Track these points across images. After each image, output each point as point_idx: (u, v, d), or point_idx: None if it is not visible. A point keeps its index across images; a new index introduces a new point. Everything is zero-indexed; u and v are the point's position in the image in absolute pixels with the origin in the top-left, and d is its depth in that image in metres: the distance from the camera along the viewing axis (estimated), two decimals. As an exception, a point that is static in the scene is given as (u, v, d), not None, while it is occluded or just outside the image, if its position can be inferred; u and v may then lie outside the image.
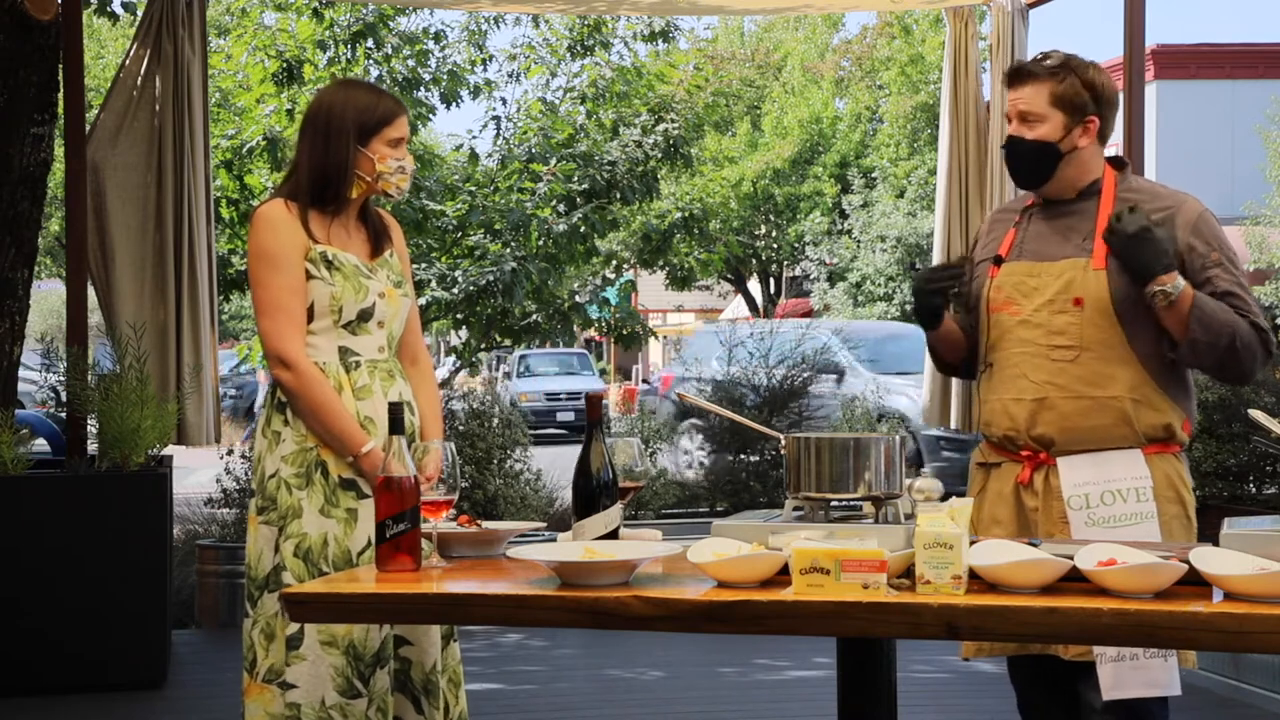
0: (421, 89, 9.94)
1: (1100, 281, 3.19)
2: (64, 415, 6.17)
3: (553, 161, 9.97)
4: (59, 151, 7.36)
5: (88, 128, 6.11)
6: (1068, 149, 3.27)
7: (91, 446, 5.97)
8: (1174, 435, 3.24)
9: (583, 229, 9.82)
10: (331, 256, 3.35)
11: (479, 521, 3.00)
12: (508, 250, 9.59)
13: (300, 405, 3.31)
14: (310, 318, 3.34)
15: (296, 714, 3.23)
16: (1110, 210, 3.24)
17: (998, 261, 3.37)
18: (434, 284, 9.53)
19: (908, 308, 25.90)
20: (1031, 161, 3.30)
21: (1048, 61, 3.29)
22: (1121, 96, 6.51)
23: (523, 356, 27.02)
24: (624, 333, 10.88)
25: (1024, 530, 3.27)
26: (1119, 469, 3.18)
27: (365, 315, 3.37)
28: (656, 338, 31.12)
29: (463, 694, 3.48)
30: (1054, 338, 3.23)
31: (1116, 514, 3.16)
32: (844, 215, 27.92)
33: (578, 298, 11.00)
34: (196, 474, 12.72)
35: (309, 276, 3.33)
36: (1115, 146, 6.05)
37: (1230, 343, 3.16)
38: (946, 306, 3.44)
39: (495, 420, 8.82)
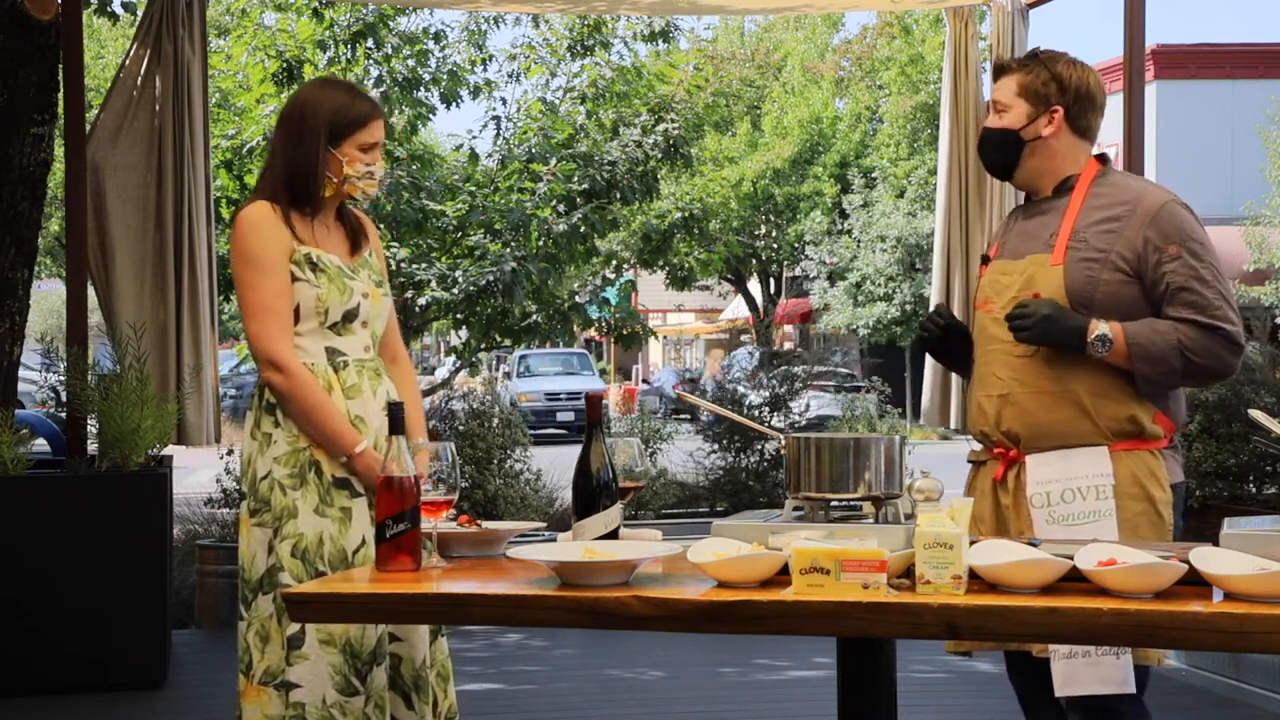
0: (421, 89, 9.93)
1: (1057, 277, 3.22)
2: (64, 415, 6.17)
3: (553, 161, 9.96)
4: (59, 151, 7.36)
5: (88, 128, 6.11)
6: (1030, 137, 3.31)
7: (91, 446, 5.97)
8: (1144, 430, 3.22)
9: (583, 229, 9.81)
10: (316, 258, 3.35)
11: (479, 521, 3.00)
12: (508, 250, 9.59)
13: (292, 407, 3.30)
14: (295, 319, 3.34)
15: (301, 713, 3.23)
16: (1080, 205, 3.27)
17: (985, 261, 3.44)
18: (434, 284, 9.53)
19: (908, 308, 25.92)
20: (995, 149, 3.37)
21: (1018, 57, 3.39)
22: (1121, 96, 6.52)
23: (523, 356, 26.84)
24: (624, 333, 10.88)
25: (1001, 527, 3.30)
26: (1082, 466, 3.19)
27: (350, 316, 3.38)
28: (656, 338, 31.13)
29: (451, 689, 3.49)
30: None
31: (1075, 511, 3.18)
32: (844, 215, 27.90)
33: (578, 298, 10.99)
34: (196, 474, 12.72)
35: (294, 279, 3.33)
36: (1115, 146, 6.07)
37: (1182, 361, 3.15)
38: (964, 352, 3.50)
39: (495, 420, 8.82)
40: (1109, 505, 3.16)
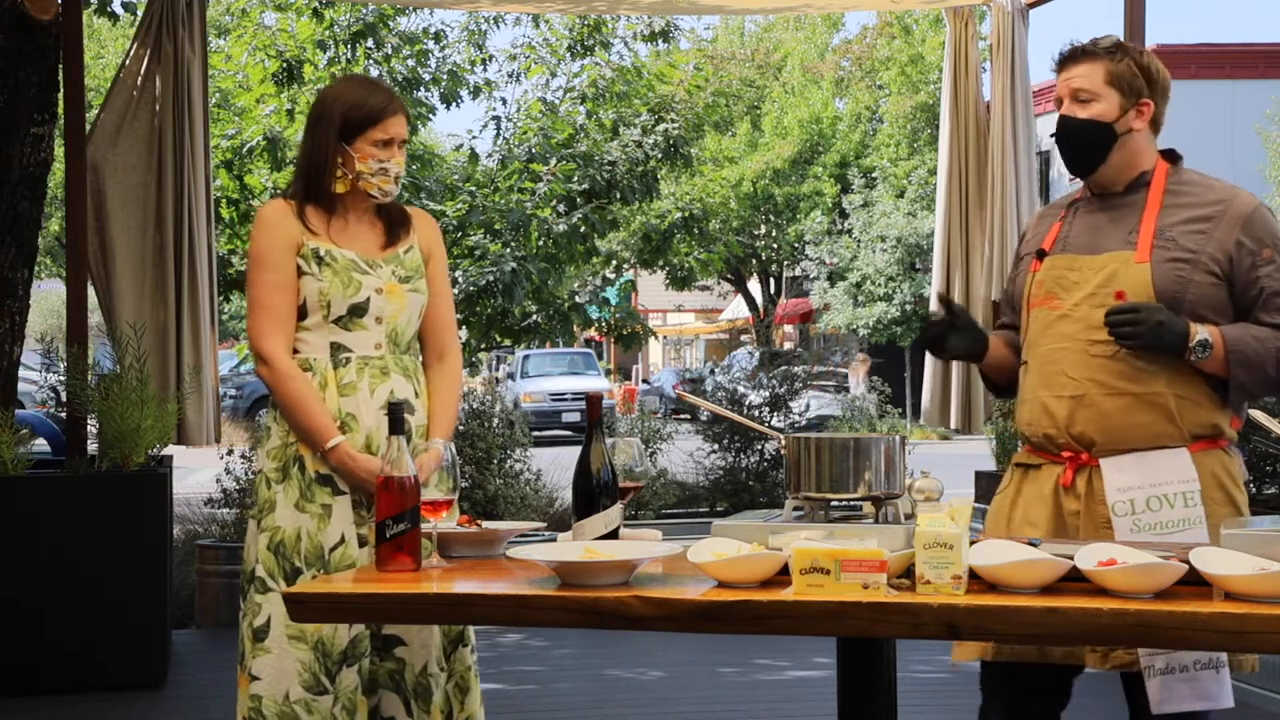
0: (421, 89, 9.95)
1: (1144, 275, 3.07)
2: (64, 415, 6.17)
3: (553, 161, 9.97)
4: (59, 151, 7.36)
5: (88, 128, 6.11)
6: (1122, 130, 3.15)
7: (91, 446, 5.97)
8: (1222, 432, 3.13)
9: (583, 229, 9.82)
10: (324, 253, 3.34)
11: (479, 521, 3.00)
12: (508, 250, 9.59)
13: (276, 400, 3.34)
14: (304, 314, 3.35)
15: (259, 706, 3.22)
16: (1160, 203, 3.14)
17: (1040, 256, 3.26)
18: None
19: (908, 308, 25.93)
20: (1084, 140, 3.17)
21: (1104, 42, 3.20)
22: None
23: (526, 356, 26.18)
24: (624, 333, 10.89)
25: (1060, 534, 3.16)
26: (1165, 471, 3.06)
27: (358, 310, 3.35)
28: (656, 338, 31.07)
29: (471, 701, 3.46)
30: (1093, 332, 3.10)
31: (1163, 520, 3.04)
32: (844, 215, 27.92)
33: (578, 298, 11.00)
34: (196, 474, 12.73)
35: (301, 273, 3.33)
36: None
37: (1278, 369, 3.08)
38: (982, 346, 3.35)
39: (495, 420, 8.82)
40: (1198, 512, 3.03)
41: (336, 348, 3.36)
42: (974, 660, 3.27)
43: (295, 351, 3.34)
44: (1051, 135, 3.26)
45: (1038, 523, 3.18)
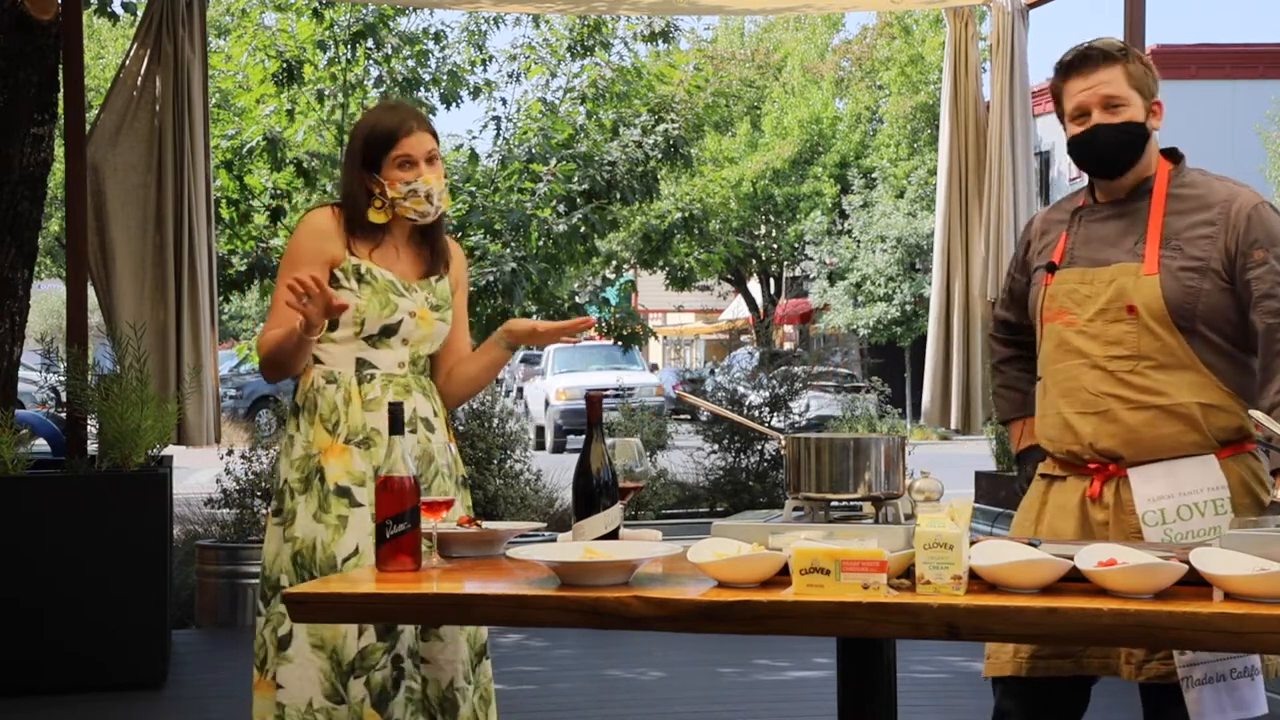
0: (421, 89, 9.95)
1: (1153, 288, 3.03)
2: (64, 415, 6.17)
3: (553, 162, 9.97)
4: (59, 151, 7.37)
5: (88, 128, 6.11)
6: (1149, 132, 3.12)
7: (91, 446, 5.97)
8: (1248, 435, 3.08)
9: (583, 229, 9.82)
10: (365, 270, 3.34)
11: (479, 521, 3.00)
12: (508, 250, 9.59)
13: (276, 366, 3.35)
14: (335, 326, 3.34)
15: (282, 714, 3.24)
16: (1164, 208, 3.09)
17: (1051, 269, 3.21)
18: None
19: (908, 308, 25.94)
20: (1120, 147, 3.10)
21: (1114, 45, 3.14)
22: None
23: (559, 350, 24.15)
24: (624, 333, 10.88)
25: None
26: (1194, 479, 3.03)
27: (389, 330, 3.36)
28: (656, 338, 30.97)
29: (493, 712, 3.47)
30: (1110, 348, 3.07)
31: (1194, 529, 3.01)
32: (844, 215, 27.93)
33: (578, 298, 10.99)
34: (196, 474, 12.74)
35: (338, 286, 3.32)
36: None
37: None
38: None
39: (495, 420, 8.82)
40: (1229, 519, 2.98)
41: (362, 364, 3.36)
42: (1006, 674, 3.19)
43: (319, 362, 3.35)
44: (1073, 142, 3.14)
45: (1063, 534, 3.13)
